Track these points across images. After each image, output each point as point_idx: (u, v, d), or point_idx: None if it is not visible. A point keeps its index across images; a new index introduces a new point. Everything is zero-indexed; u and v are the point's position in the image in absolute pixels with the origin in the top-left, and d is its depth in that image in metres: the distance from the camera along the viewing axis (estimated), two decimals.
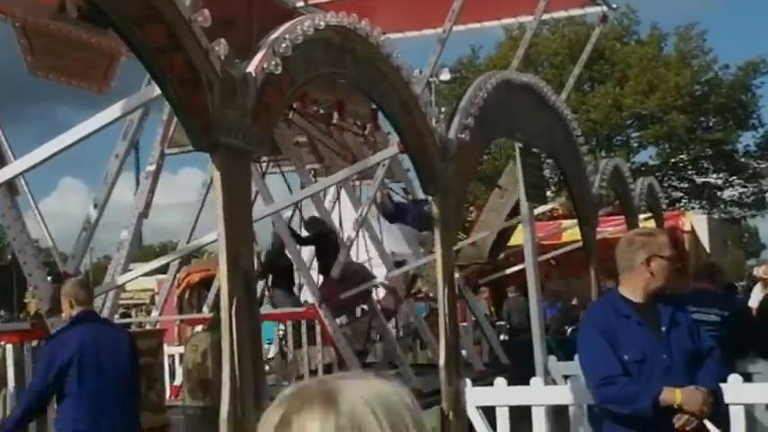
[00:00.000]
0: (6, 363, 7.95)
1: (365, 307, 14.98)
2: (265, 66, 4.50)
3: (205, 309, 13.90)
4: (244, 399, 3.99)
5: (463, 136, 6.79)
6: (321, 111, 13.83)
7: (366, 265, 14.61)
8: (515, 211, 15.65)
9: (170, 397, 11.51)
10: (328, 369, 12.46)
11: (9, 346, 7.97)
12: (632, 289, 4.80)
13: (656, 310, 4.76)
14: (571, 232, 15.25)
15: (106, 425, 6.48)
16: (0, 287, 46.56)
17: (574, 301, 20.66)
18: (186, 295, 15.79)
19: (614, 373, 4.70)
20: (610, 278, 11.39)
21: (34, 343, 7.85)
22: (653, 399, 4.59)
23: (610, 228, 14.61)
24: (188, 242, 12.75)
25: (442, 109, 6.88)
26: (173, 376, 12.81)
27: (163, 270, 14.80)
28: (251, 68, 4.46)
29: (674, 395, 4.59)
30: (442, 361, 6.26)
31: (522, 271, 9.66)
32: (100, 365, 6.46)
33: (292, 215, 15.56)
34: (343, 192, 14.77)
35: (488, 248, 17.41)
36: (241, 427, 3.95)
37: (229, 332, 3.99)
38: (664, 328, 4.72)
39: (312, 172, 14.09)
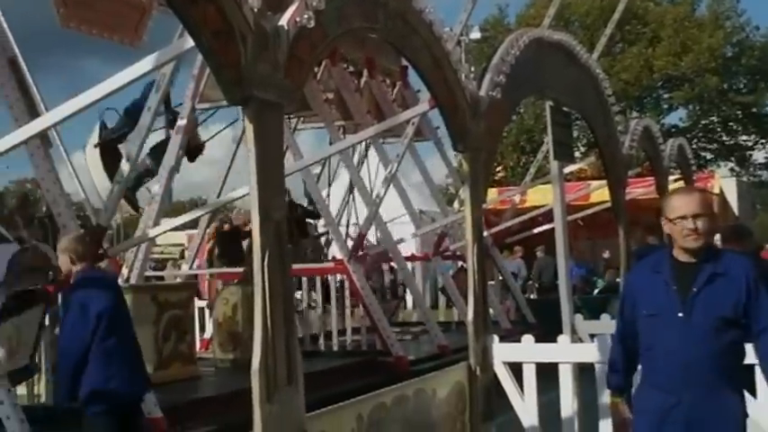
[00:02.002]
0: None
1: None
2: (298, 19, 4.49)
3: None
4: (275, 351, 4.03)
5: (494, 93, 6.77)
6: (351, 68, 13.82)
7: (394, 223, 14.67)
8: None
9: (200, 350, 11.67)
10: (356, 331, 12.58)
11: None
12: (675, 248, 4.79)
13: (697, 270, 4.60)
14: (599, 193, 15.21)
15: (136, 381, 6.49)
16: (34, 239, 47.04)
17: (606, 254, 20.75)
18: (216, 250, 15.89)
19: (617, 333, 4.89)
20: (650, 234, 11.39)
21: (65, 293, 7.91)
22: (612, 386, 4.95)
23: (639, 189, 14.55)
24: (218, 197, 12.85)
25: (472, 68, 6.84)
26: (202, 329, 12.96)
27: (193, 225, 14.93)
28: (284, 21, 4.44)
29: (614, 403, 4.92)
30: (470, 317, 6.30)
31: (550, 231, 9.66)
32: (123, 320, 6.46)
33: (321, 171, 15.63)
34: (371, 149, 14.79)
35: None
36: (272, 379, 3.99)
37: (262, 284, 4.02)
38: (695, 289, 4.57)
39: (341, 129, 14.09)
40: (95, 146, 10.87)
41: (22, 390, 8.24)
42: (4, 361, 6.94)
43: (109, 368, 6.18)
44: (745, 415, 4.56)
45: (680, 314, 4.56)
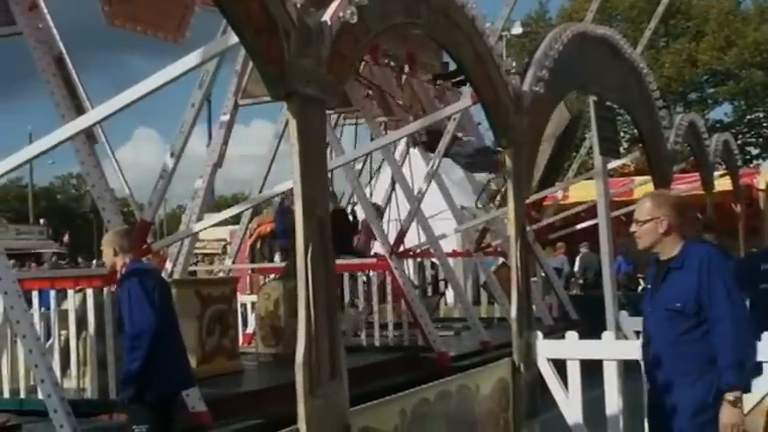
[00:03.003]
0: (87, 306, 8.16)
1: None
2: (341, 14, 4.49)
3: (277, 258, 14.07)
4: (319, 345, 4.04)
5: (537, 88, 6.73)
6: (392, 63, 13.81)
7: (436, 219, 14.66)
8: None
9: (242, 344, 11.75)
10: (398, 326, 12.57)
11: (90, 291, 8.18)
12: None
13: (666, 269, 5.05)
14: (642, 189, 15.08)
15: (178, 375, 6.53)
16: (79, 234, 47.58)
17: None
18: (258, 245, 15.98)
19: None
20: (707, 231, 11.35)
21: (113, 288, 7.98)
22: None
23: (684, 185, 14.41)
24: (260, 193, 12.90)
25: (513, 63, 6.80)
26: (245, 324, 13.04)
27: (235, 221, 15.03)
28: (326, 17, 4.45)
29: None
30: (513, 313, 6.26)
31: (593, 227, 9.58)
32: (168, 314, 6.48)
33: (362, 166, 15.65)
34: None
35: (537, 182, 16.92)
36: (316, 373, 4.00)
37: (305, 279, 4.03)
38: (661, 284, 5.05)
39: (382, 125, 14.09)
40: None
41: (69, 383, 8.36)
42: None
43: (152, 361, 6.17)
44: (705, 406, 4.78)
45: (649, 308, 5.17)
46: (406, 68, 13.69)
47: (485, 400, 5.95)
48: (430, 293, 15.85)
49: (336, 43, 4.47)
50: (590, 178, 13.22)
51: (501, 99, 6.33)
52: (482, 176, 16.78)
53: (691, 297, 4.85)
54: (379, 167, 16.37)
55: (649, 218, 5.05)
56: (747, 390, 4.86)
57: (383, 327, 12.29)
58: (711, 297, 4.80)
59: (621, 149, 18.59)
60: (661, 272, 5.09)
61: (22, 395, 8.40)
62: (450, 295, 16.84)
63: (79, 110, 8.18)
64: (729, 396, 4.72)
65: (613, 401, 6.82)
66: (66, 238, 46.51)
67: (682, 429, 4.87)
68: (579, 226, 16.70)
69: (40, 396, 7.36)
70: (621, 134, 30.27)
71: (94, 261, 30.93)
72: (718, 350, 4.75)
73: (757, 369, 5.18)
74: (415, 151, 14.83)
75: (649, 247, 5.13)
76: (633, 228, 5.12)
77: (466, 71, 6.18)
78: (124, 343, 6.40)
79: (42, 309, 8.79)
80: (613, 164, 12.23)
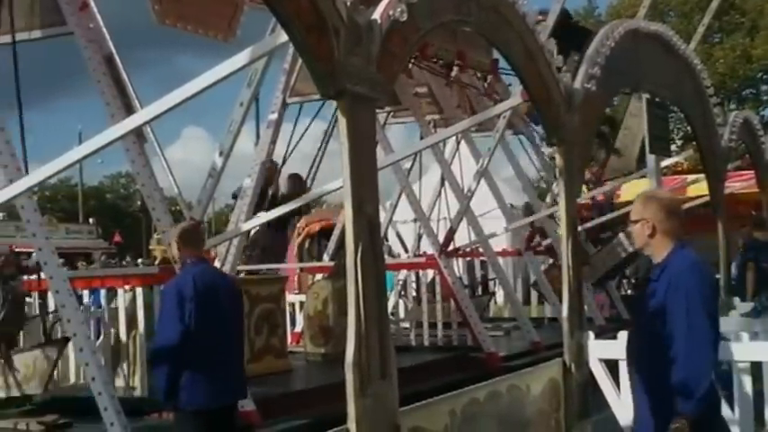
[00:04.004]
0: (136, 305, 8.21)
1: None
2: (391, 12, 4.46)
3: (325, 257, 14.08)
4: (369, 345, 4.01)
5: (589, 86, 6.65)
6: (441, 61, 13.75)
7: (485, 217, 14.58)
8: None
9: (291, 343, 11.77)
10: (447, 326, 12.52)
11: (139, 290, 8.22)
12: None
13: (650, 275, 4.98)
14: (695, 187, 14.87)
15: (230, 383, 6.41)
16: (128, 233, 48.12)
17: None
18: (306, 244, 16.01)
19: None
20: (758, 229, 11.17)
21: (162, 287, 8.01)
22: None
23: (738, 183, 14.17)
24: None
25: (563, 60, 6.72)
26: (293, 323, 13.05)
27: None
28: (376, 15, 4.43)
29: None
30: (564, 313, 6.18)
31: None
32: (220, 311, 6.33)
33: (411, 165, 15.59)
34: (462, 143, 14.71)
35: (635, 158, 16.60)
36: (366, 373, 3.97)
37: (355, 278, 4.01)
38: (646, 291, 4.95)
39: (432, 123, 14.03)
40: None
41: (119, 382, 8.42)
42: None
43: (203, 366, 6.13)
44: (666, 419, 4.51)
45: (637, 313, 5.22)
46: (456, 66, 13.64)
47: (536, 401, 5.89)
48: (479, 293, 15.77)
49: (386, 41, 4.44)
50: (642, 176, 13.05)
51: (552, 96, 6.26)
52: (532, 174, 16.67)
53: (657, 312, 4.68)
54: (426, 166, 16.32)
55: (638, 218, 4.90)
56: (693, 417, 4.45)
57: (432, 326, 12.24)
58: (672, 313, 4.59)
59: (674, 147, 18.36)
60: (649, 278, 5.03)
61: (73, 393, 8.48)
62: (500, 295, 16.76)
63: (129, 109, 8.22)
64: (675, 423, 4.46)
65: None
66: (117, 238, 47.05)
67: None
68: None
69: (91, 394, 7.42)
70: (675, 132, 29.94)
71: (140, 260, 31.24)
72: (672, 371, 4.51)
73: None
74: (464, 148, 14.75)
75: (641, 248, 5.04)
76: (630, 229, 5.13)
77: (516, 68, 6.12)
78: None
79: (92, 307, 8.88)
80: (666, 162, 12.06)
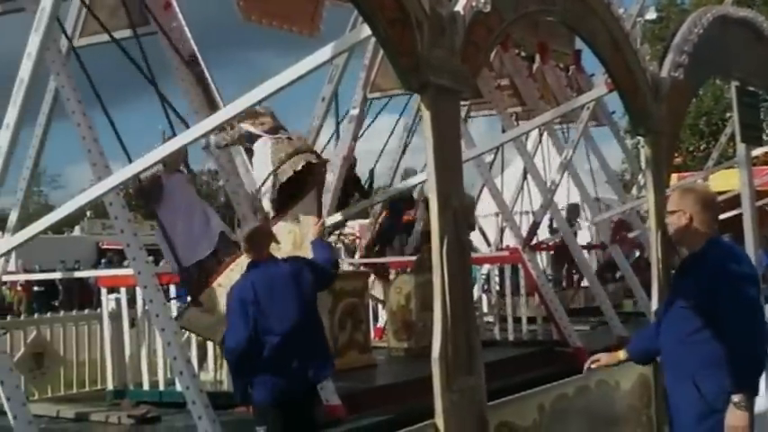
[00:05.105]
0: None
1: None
2: (474, 4, 4.42)
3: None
4: (455, 339, 3.98)
5: (677, 74, 6.50)
6: (523, 53, 13.63)
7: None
8: None
9: (373, 338, 11.78)
10: (531, 320, 12.40)
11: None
12: None
13: (684, 265, 5.01)
14: None
15: (306, 374, 6.35)
16: None
17: None
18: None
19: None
20: None
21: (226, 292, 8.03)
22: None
23: None
24: (389, 186, 12.91)
25: (648, 49, 6.58)
26: (375, 318, 13.06)
27: (364, 215, 15.07)
28: (459, 7, 4.38)
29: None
30: (654, 307, 6.06)
31: (734, 217, 9.22)
32: (281, 309, 6.27)
33: (494, 159, 15.49)
34: (545, 135, 14.56)
35: None
36: (453, 367, 3.94)
37: (440, 271, 3.97)
38: (680, 280, 5.00)
39: (514, 115, 13.90)
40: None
41: (205, 376, 8.52)
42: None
43: (267, 365, 6.17)
44: (711, 409, 4.56)
45: (665, 303, 5.10)
46: (537, 57, 13.51)
47: (625, 396, 5.79)
48: (564, 287, 15.59)
49: (470, 33, 4.41)
50: (731, 167, 12.75)
51: (639, 86, 6.14)
52: (616, 165, 16.40)
53: (697, 298, 4.70)
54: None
55: (675, 209, 4.93)
56: (755, 392, 4.59)
57: (516, 321, 12.14)
58: (717, 299, 4.59)
59: (765, 137, 17.89)
60: (683, 267, 5.04)
61: (161, 387, 8.60)
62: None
63: (212, 106, 8.30)
64: (735, 398, 4.48)
65: (762, 399, 6.53)
66: None
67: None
68: (720, 217, 16.12)
69: (179, 388, 7.52)
70: (764, 120, 29.22)
71: None
72: (726, 351, 4.53)
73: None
74: (547, 141, 14.59)
75: (677, 240, 5.06)
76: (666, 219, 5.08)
77: (602, 58, 6.01)
78: None
79: (178, 303, 8.99)
80: (757, 151, 11.76)
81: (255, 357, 6.16)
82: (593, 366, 5.22)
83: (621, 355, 5.20)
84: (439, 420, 3.91)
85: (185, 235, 7.95)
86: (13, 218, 8.30)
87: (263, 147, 8.36)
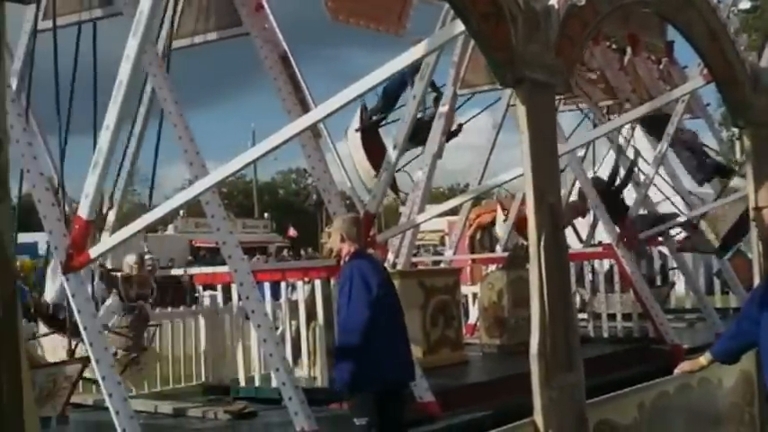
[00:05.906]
0: (315, 297, 8.35)
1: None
2: None
3: (498, 248, 13.98)
4: (554, 335, 3.94)
5: None
6: (614, 46, 13.41)
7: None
8: None
9: (465, 335, 11.74)
10: (626, 317, 12.20)
11: (318, 282, 8.35)
12: None
13: None
14: None
15: (400, 367, 6.34)
16: (300, 228, 49.20)
17: None
18: (477, 236, 15.92)
19: None
20: None
21: (341, 278, 8.04)
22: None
23: None
24: (479, 183, 12.85)
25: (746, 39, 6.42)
26: (466, 315, 13.02)
27: (451, 212, 15.01)
28: (553, 1, 4.35)
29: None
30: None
31: None
32: (390, 304, 6.33)
33: (585, 153, 15.28)
34: (638, 129, 14.30)
35: None
36: (552, 363, 3.90)
37: (538, 266, 3.94)
38: None
39: (605, 109, 13.70)
40: (357, 130, 11.03)
41: (299, 372, 8.58)
42: None
43: (370, 354, 6.10)
44: None
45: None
46: (629, 50, 13.27)
47: (728, 394, 5.67)
48: (659, 283, 15.30)
49: (564, 27, 4.36)
50: None
51: (737, 77, 6.01)
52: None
53: None
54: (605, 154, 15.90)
55: None
56: None
57: (611, 317, 11.98)
58: None
59: None
60: None
61: (257, 383, 8.70)
62: (680, 285, 16.23)
63: (303, 105, 8.37)
64: None
65: None
66: (292, 232, 48.19)
67: None
68: None
69: (274, 384, 7.59)
70: None
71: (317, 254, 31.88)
72: None
73: None
74: (640, 135, 14.34)
75: None
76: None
77: (699, 49, 5.89)
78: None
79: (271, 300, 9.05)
80: None
81: (371, 343, 6.08)
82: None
83: (703, 360, 5.06)
84: (538, 417, 3.88)
85: None
86: (110, 218, 8.47)
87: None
